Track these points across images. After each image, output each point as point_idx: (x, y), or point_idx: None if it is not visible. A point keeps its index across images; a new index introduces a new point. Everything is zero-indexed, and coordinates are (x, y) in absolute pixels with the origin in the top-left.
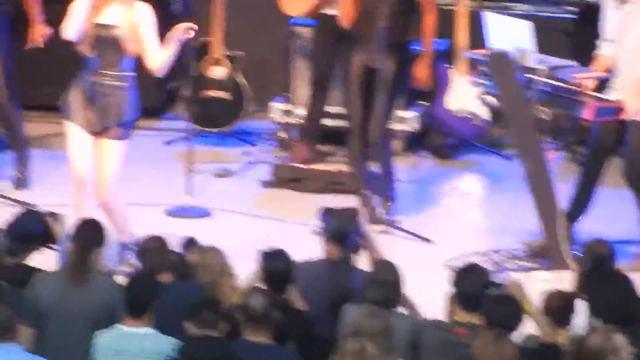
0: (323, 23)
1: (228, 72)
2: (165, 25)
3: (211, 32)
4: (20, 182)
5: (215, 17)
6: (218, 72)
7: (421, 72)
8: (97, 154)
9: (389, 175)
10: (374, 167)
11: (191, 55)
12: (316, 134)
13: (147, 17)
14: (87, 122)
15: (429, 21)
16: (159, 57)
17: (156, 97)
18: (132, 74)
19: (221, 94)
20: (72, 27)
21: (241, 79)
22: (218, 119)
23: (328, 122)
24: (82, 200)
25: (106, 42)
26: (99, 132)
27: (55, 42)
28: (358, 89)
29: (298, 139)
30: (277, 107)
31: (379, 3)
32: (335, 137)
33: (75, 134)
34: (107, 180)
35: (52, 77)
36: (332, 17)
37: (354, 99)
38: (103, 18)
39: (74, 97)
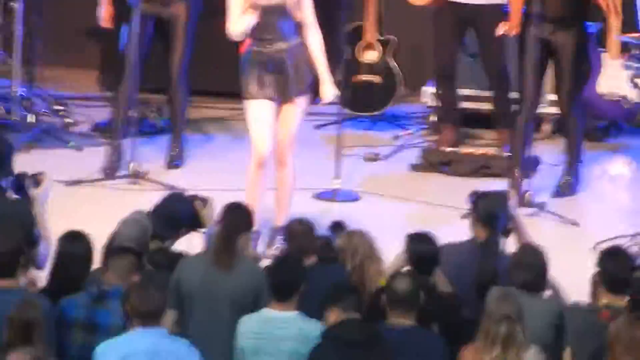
0: (442, 9)
1: (380, 56)
2: (320, 9)
3: (364, 16)
4: (174, 160)
5: (368, 1)
6: (370, 56)
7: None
8: (284, 114)
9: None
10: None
11: (344, 40)
12: (456, 118)
13: None
14: (277, 91)
15: None
16: (312, 31)
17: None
18: (298, 35)
19: (373, 78)
20: (239, 28)
21: (393, 63)
22: (370, 103)
23: (470, 105)
24: (257, 181)
25: (273, 11)
26: (290, 97)
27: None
28: (533, 64)
29: (442, 123)
30: (429, 91)
31: None
32: (478, 119)
33: (261, 110)
34: (290, 135)
35: (209, 61)
36: (452, 3)
37: (529, 74)
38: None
39: (256, 72)
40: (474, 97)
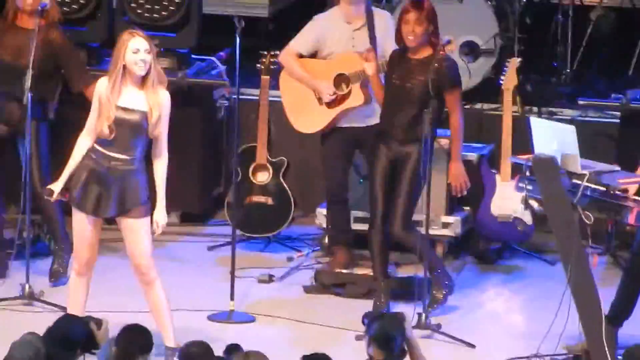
0: (330, 133)
1: (272, 177)
2: (212, 130)
3: (256, 138)
4: (57, 275)
5: (260, 122)
6: (262, 177)
7: (454, 174)
8: (127, 236)
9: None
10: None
11: (235, 161)
12: (348, 239)
13: (165, 104)
14: (100, 207)
15: (455, 121)
16: (160, 150)
17: (201, 203)
18: (142, 157)
19: (266, 199)
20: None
21: (285, 185)
22: (262, 224)
23: (362, 226)
24: (80, 288)
25: (125, 125)
26: (116, 215)
27: None
28: (381, 183)
29: (335, 245)
30: (322, 213)
31: (407, 97)
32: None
33: (83, 223)
34: (145, 253)
35: None
36: (344, 128)
37: (377, 193)
38: (124, 101)
39: (83, 184)
40: (366, 219)
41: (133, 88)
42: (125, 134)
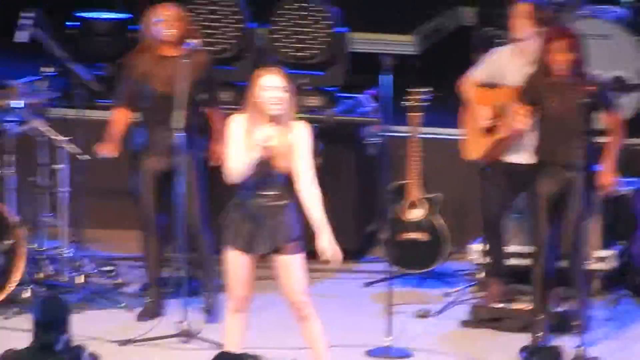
0: (495, 168)
1: (426, 214)
2: (365, 167)
3: (407, 174)
4: (209, 312)
5: (411, 159)
6: (416, 214)
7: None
8: (282, 271)
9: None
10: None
11: (388, 199)
12: (504, 273)
13: (304, 137)
14: (253, 243)
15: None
16: (306, 182)
17: (355, 240)
18: (290, 191)
19: (420, 235)
20: (239, 175)
21: (439, 221)
22: (417, 260)
23: (518, 261)
24: (238, 326)
25: (269, 163)
26: (268, 251)
27: None
28: (546, 217)
29: (490, 279)
30: (474, 248)
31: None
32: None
33: (237, 261)
34: (300, 288)
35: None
36: (507, 164)
37: (542, 228)
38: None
39: (236, 222)
40: (522, 254)
41: (267, 125)
42: (264, 170)
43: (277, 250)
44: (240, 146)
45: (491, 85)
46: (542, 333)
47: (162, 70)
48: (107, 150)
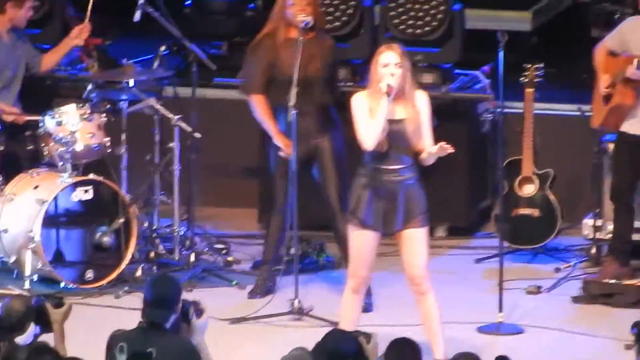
0: (622, 139)
1: (538, 189)
2: (477, 144)
3: (521, 150)
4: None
5: (525, 135)
6: (528, 190)
7: None
8: (407, 244)
9: None
10: None
11: (502, 174)
12: (625, 250)
13: (423, 104)
14: (388, 222)
15: None
16: (428, 145)
17: (467, 216)
18: (416, 167)
19: (532, 211)
20: (374, 140)
21: (552, 196)
22: (529, 236)
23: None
24: (356, 305)
25: (397, 137)
26: (402, 227)
27: None
28: None
29: (608, 255)
30: (588, 224)
31: None
32: None
33: (368, 241)
34: (422, 263)
35: None
36: (629, 135)
37: None
38: (391, 114)
39: (367, 201)
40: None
41: (395, 101)
42: (397, 145)
43: (408, 224)
44: (367, 118)
45: (618, 54)
46: None
47: (292, 54)
48: (286, 146)
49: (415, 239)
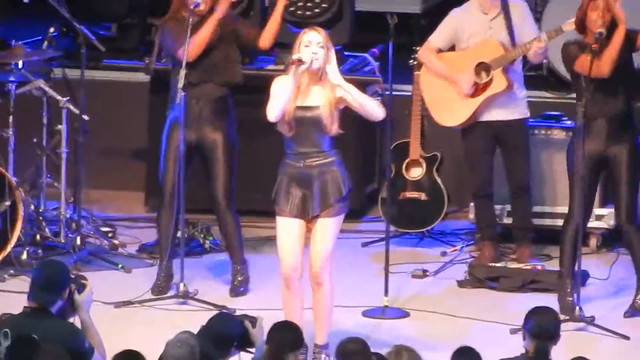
0: (472, 128)
1: (425, 172)
2: (365, 127)
3: (409, 133)
4: (238, 287)
5: (413, 118)
6: (416, 173)
7: None
8: (315, 230)
9: None
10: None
11: (389, 157)
12: (496, 234)
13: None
14: (305, 208)
15: None
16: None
17: (355, 199)
18: (336, 149)
19: (419, 194)
20: (276, 110)
21: (439, 180)
22: (416, 219)
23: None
24: (291, 298)
25: (308, 123)
26: (320, 212)
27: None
28: (583, 180)
29: (482, 240)
30: (474, 208)
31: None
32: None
33: (288, 228)
34: (321, 253)
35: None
36: (480, 122)
37: (578, 190)
38: (303, 100)
39: (285, 188)
40: (544, 214)
41: (311, 84)
42: (307, 131)
43: (326, 209)
44: (281, 92)
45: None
46: (570, 295)
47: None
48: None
49: (320, 228)
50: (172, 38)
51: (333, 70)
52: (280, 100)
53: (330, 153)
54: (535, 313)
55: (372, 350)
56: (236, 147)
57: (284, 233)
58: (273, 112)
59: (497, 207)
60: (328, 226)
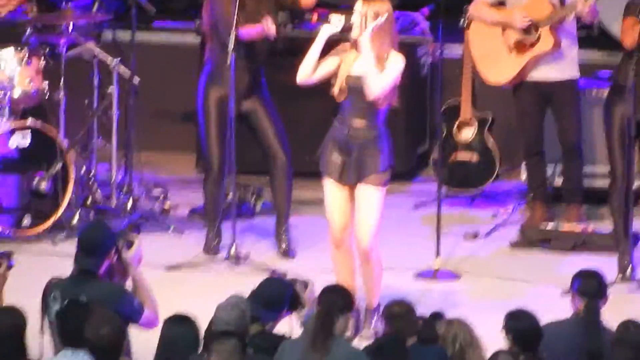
0: (521, 88)
1: (477, 133)
2: (416, 88)
3: (460, 94)
4: (286, 252)
5: (464, 78)
6: (467, 133)
7: None
8: (358, 203)
9: None
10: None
11: (440, 118)
12: (547, 194)
13: (397, 64)
14: (343, 174)
15: None
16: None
17: (406, 161)
18: (383, 124)
19: (471, 155)
20: (301, 71)
21: (491, 140)
22: (468, 180)
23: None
24: (341, 260)
25: (357, 92)
26: (356, 182)
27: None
28: (620, 143)
29: (532, 201)
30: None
31: None
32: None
33: (332, 190)
34: (368, 229)
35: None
36: (529, 82)
37: (618, 153)
38: (355, 69)
39: (329, 151)
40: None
41: (366, 54)
42: (356, 100)
43: (361, 181)
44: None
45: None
46: (627, 258)
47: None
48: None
49: (363, 199)
50: (220, 10)
51: (364, 41)
52: (307, 60)
53: (376, 127)
54: (581, 274)
55: (425, 312)
56: (273, 103)
57: (330, 194)
58: (301, 72)
59: (549, 167)
60: (370, 198)
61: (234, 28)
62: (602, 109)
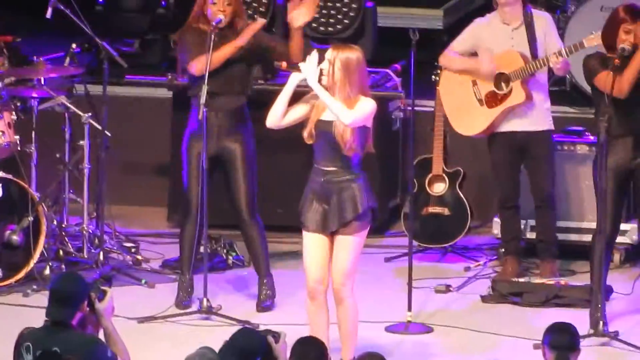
0: (498, 139)
1: (448, 188)
2: (388, 142)
3: (431, 149)
4: (264, 302)
5: (436, 133)
6: (439, 188)
7: None
8: (336, 247)
9: None
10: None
11: (412, 173)
12: (520, 249)
13: (367, 103)
14: (325, 223)
15: None
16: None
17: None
18: (358, 168)
19: (442, 210)
20: (271, 114)
21: (462, 195)
22: (439, 235)
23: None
24: (316, 312)
25: (327, 137)
26: (338, 227)
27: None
28: (610, 194)
29: (505, 255)
30: (498, 223)
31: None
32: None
33: (311, 243)
34: (342, 267)
35: (284, 196)
36: (502, 133)
37: (606, 206)
38: (326, 115)
39: (309, 204)
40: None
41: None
42: (326, 145)
43: (344, 226)
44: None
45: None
46: (599, 311)
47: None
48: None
49: (340, 245)
50: (187, 49)
51: (311, 76)
52: (276, 105)
53: (352, 171)
54: (553, 327)
55: None
56: (255, 156)
57: (309, 246)
58: (269, 118)
59: (522, 221)
60: (347, 243)
61: (205, 82)
62: (591, 164)
